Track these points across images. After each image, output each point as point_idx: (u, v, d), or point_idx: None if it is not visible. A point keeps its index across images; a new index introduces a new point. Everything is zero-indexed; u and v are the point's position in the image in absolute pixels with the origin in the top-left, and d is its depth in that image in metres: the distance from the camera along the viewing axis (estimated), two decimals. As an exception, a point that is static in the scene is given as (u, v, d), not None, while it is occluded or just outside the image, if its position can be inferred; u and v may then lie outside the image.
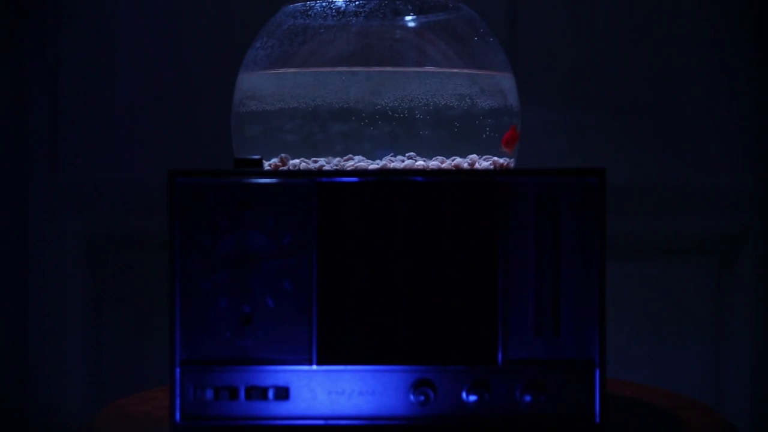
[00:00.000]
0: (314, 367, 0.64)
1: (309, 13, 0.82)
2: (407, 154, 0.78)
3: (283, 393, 0.64)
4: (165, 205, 0.65)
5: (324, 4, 0.82)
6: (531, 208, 0.64)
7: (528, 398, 0.64)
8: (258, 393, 0.64)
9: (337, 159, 0.78)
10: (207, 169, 0.64)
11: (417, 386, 0.64)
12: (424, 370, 0.64)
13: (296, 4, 0.83)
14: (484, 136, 0.81)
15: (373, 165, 0.78)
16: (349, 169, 0.75)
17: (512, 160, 0.84)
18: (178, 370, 0.64)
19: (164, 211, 0.66)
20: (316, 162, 0.79)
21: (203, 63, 1.10)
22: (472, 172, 0.66)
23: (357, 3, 0.81)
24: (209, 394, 0.64)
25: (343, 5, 0.81)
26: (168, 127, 1.11)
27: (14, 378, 1.11)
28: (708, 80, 1.12)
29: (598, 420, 0.64)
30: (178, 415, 0.64)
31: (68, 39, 1.10)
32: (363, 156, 0.78)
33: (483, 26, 0.85)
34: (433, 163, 0.78)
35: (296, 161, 0.79)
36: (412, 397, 0.64)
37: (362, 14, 0.81)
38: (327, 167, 0.78)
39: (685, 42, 1.12)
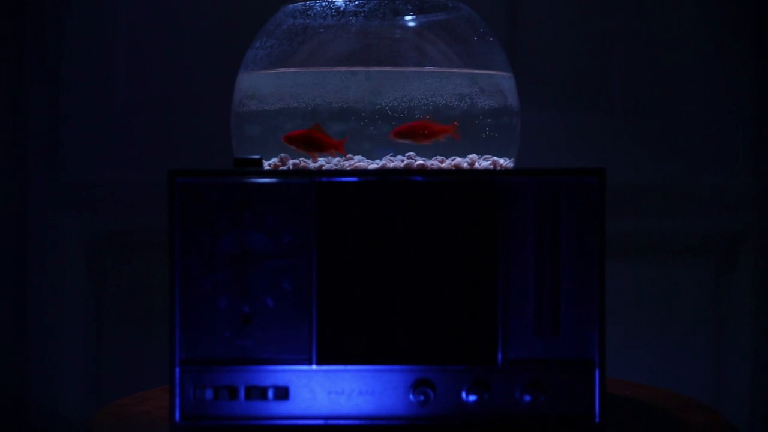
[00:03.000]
0: (314, 366, 0.64)
1: (309, 12, 0.82)
2: (407, 154, 0.78)
3: (282, 393, 0.64)
4: (165, 205, 0.65)
5: (324, 3, 0.82)
6: (531, 208, 0.64)
7: (528, 398, 0.64)
8: (258, 393, 0.64)
9: (337, 159, 0.78)
10: (207, 169, 0.64)
11: (417, 386, 0.64)
12: (423, 370, 0.64)
13: (296, 4, 0.83)
14: (484, 136, 0.81)
15: (373, 165, 0.78)
16: (348, 168, 0.75)
17: (512, 160, 0.84)
18: (177, 370, 0.64)
19: (164, 211, 0.66)
20: (316, 161, 0.79)
21: (203, 63, 1.10)
22: (472, 172, 0.66)
23: (357, 3, 0.81)
24: (209, 394, 0.64)
25: (343, 5, 0.81)
26: (168, 127, 1.11)
27: (14, 378, 1.11)
28: (708, 80, 1.12)
29: (597, 420, 0.64)
30: (177, 415, 0.64)
31: (68, 39, 1.10)
32: (363, 156, 0.78)
33: (483, 26, 0.85)
34: (433, 163, 0.78)
35: (296, 161, 0.79)
36: (411, 397, 0.64)
37: (362, 14, 0.81)
38: (327, 167, 0.78)
39: (685, 42, 1.12)
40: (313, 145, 0.76)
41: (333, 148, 0.76)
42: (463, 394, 0.64)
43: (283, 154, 0.79)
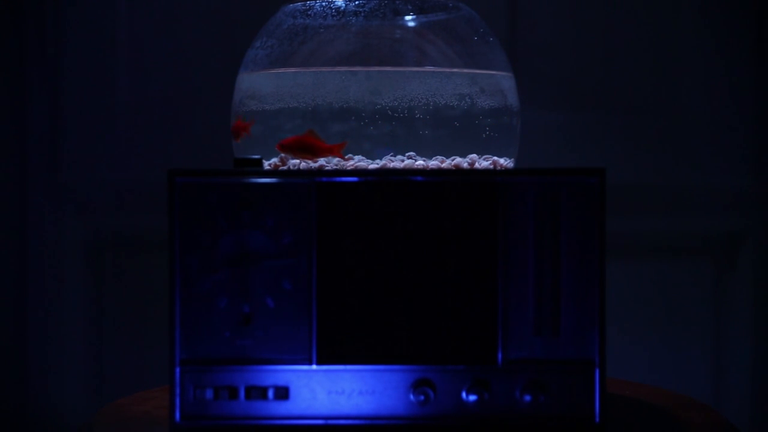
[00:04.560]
0: (314, 366, 0.64)
1: (309, 12, 0.82)
2: (407, 154, 0.78)
3: (282, 393, 0.64)
4: (165, 205, 0.65)
5: (324, 3, 0.82)
6: (531, 208, 0.64)
7: (528, 398, 0.64)
8: (258, 393, 0.64)
9: (337, 159, 0.78)
10: (207, 169, 0.64)
11: (417, 386, 0.64)
12: (424, 369, 0.64)
13: (296, 4, 0.83)
14: (484, 136, 0.81)
15: (373, 165, 0.78)
16: (349, 168, 0.75)
17: (512, 159, 0.84)
18: (177, 369, 0.64)
19: (164, 211, 0.66)
20: (316, 162, 0.79)
21: (203, 63, 1.10)
22: (472, 172, 0.66)
23: (357, 3, 0.81)
24: (209, 393, 0.64)
25: (343, 5, 0.81)
26: (168, 127, 1.11)
27: (14, 378, 1.11)
28: (708, 80, 1.12)
29: (598, 420, 0.64)
30: (177, 415, 0.64)
31: (68, 39, 1.10)
32: (363, 156, 0.78)
33: (483, 26, 0.85)
34: (433, 163, 0.78)
35: (296, 161, 0.79)
36: (412, 396, 0.64)
37: (362, 14, 0.81)
38: (327, 167, 0.78)
39: (685, 42, 1.12)
40: (308, 150, 0.76)
41: (328, 153, 0.76)
42: (463, 394, 0.64)
43: (283, 154, 0.79)
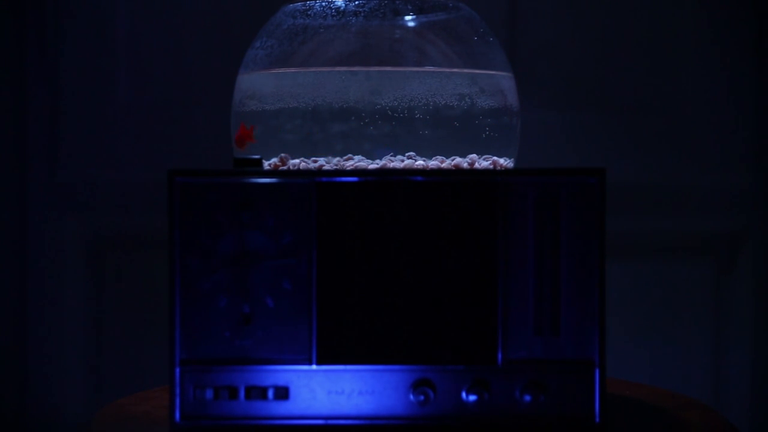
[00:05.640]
0: (314, 366, 0.64)
1: (309, 12, 0.82)
2: (407, 154, 0.78)
3: (282, 393, 0.64)
4: (165, 205, 0.65)
5: (324, 3, 0.82)
6: (531, 208, 0.64)
7: (528, 398, 0.64)
8: (258, 393, 0.64)
9: (337, 159, 0.78)
10: (207, 169, 0.64)
11: (417, 386, 0.64)
12: (423, 369, 0.64)
13: (296, 4, 0.83)
14: (483, 136, 0.81)
15: (373, 165, 0.78)
16: (349, 168, 0.75)
17: (512, 159, 0.84)
18: (177, 369, 0.64)
19: (164, 211, 0.66)
20: (316, 162, 0.79)
21: (203, 63, 1.10)
22: (472, 172, 0.66)
23: (357, 3, 0.81)
24: (209, 393, 0.64)
25: (343, 5, 0.81)
26: (168, 127, 1.11)
27: (14, 378, 1.11)
28: (708, 80, 1.12)
29: (598, 420, 0.64)
30: (177, 415, 0.64)
31: (68, 39, 1.10)
32: (363, 156, 0.78)
33: (483, 26, 0.85)
34: (433, 163, 0.78)
35: (296, 161, 0.79)
36: (411, 396, 0.64)
37: (362, 14, 0.81)
38: (327, 167, 0.78)
39: (685, 42, 1.12)
40: (237, 142, 0.79)
41: (246, 138, 0.77)
42: (463, 394, 0.64)
43: (283, 154, 0.79)
